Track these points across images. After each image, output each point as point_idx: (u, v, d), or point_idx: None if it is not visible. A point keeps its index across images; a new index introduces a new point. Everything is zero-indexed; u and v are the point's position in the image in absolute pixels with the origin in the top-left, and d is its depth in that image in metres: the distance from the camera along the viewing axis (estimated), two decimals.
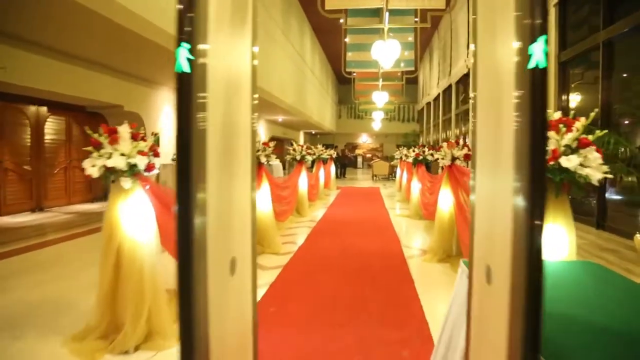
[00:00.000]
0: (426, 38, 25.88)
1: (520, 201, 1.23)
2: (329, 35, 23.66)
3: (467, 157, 5.86)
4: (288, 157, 9.81)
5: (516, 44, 1.25)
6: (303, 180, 9.85)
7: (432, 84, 27.59)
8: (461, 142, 6.07)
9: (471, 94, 2.01)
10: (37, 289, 4.62)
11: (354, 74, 21.51)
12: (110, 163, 2.89)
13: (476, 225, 1.74)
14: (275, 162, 23.90)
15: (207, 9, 1.36)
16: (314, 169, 12.79)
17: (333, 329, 3.66)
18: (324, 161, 13.48)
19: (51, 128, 10.56)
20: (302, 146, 9.71)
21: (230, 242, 1.61)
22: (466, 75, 18.58)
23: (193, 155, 1.34)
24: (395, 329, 3.67)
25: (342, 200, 12.85)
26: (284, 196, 8.12)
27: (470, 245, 1.78)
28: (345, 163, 24.72)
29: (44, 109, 10.31)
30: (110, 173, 2.95)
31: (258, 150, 6.23)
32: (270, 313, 3.99)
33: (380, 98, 18.65)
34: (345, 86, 34.60)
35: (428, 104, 29.46)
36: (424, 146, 9.43)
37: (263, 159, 7.56)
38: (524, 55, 1.18)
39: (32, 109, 10.05)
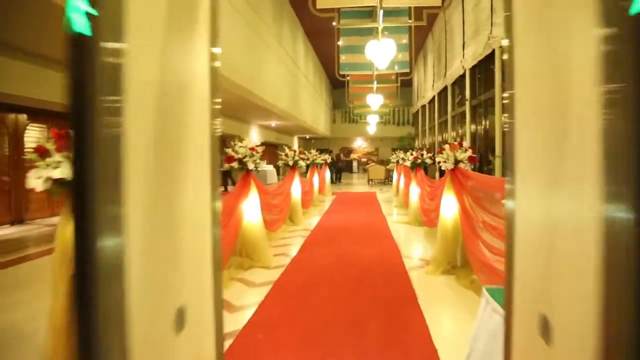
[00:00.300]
0: (420, 40, 25.56)
1: (619, 221, 0.77)
2: (322, 38, 23.29)
3: (472, 160, 5.42)
4: (280, 163, 9.35)
5: (597, 31, 0.94)
6: (296, 187, 9.39)
7: (426, 87, 27.22)
8: (465, 144, 5.62)
9: (505, 94, 1.59)
10: (12, 310, 4.13)
11: (348, 77, 21.11)
12: (57, 174, 2.40)
13: (518, 255, 1.27)
14: (269, 168, 23.47)
15: (125, 6, 1.17)
16: (307, 175, 12.33)
17: (329, 357, 3.18)
18: (318, 166, 13.03)
19: (32, 136, 10.05)
20: (294, 151, 9.25)
21: (175, 281, 1.15)
22: (462, 77, 18.19)
23: (95, 164, 0.88)
24: (400, 355, 3.20)
25: (337, 207, 12.38)
26: (275, 204, 7.65)
27: (508, 280, 1.31)
28: (340, 168, 24.28)
29: (23, 116, 9.80)
30: (59, 186, 2.45)
31: (246, 157, 5.76)
32: (258, 340, 3.51)
33: (375, 101, 18.24)
34: (339, 90, 34.23)
35: (423, 106, 29.09)
36: (422, 149, 8.98)
37: (251, 165, 7.11)
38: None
39: (11, 116, 9.55)
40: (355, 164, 37.99)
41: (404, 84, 28.70)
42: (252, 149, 5.94)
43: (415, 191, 8.94)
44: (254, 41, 14.76)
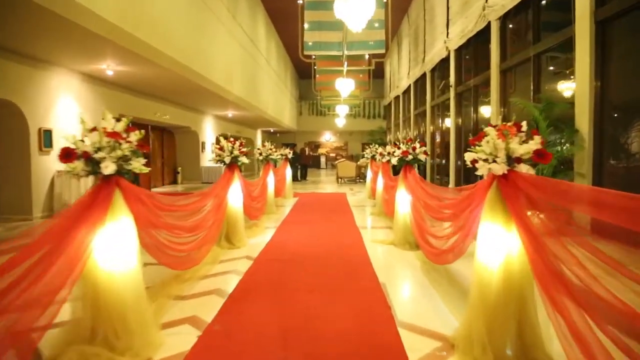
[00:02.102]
0: (394, 26, 22.88)
1: None
2: (286, 22, 20.34)
3: (540, 157, 2.69)
4: (213, 159, 6.49)
5: None
6: (235, 194, 6.54)
7: (401, 75, 24.64)
8: (524, 128, 2.87)
9: None
10: None
11: (314, 59, 18.31)
12: None
13: None
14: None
15: None
16: (261, 173, 9.52)
17: None
18: (274, 163, 10.21)
19: None
20: (232, 142, 6.40)
21: None
22: (445, 61, 15.62)
23: None
24: None
25: (298, 216, 9.56)
26: (188, 226, 4.80)
27: None
28: (306, 164, 21.49)
29: None
30: None
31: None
32: None
33: (345, 86, 15.51)
34: (306, 81, 31.39)
35: (397, 97, 26.52)
36: (412, 140, 6.24)
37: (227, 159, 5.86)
38: None
39: None
40: (323, 159, 35.26)
41: (376, 74, 26.06)
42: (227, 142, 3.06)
43: (403, 200, 6.21)
44: (199, 10, 11.79)
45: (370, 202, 11.87)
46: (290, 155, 12.75)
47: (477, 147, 2.91)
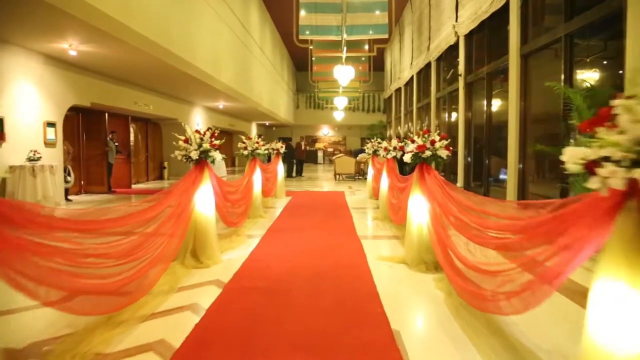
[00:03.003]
0: (396, 15, 21.42)
1: None
2: (281, 8, 18.77)
3: None
4: (177, 155, 5.06)
5: None
6: (205, 198, 5.11)
7: (403, 67, 23.17)
8: None
9: None
10: None
11: (311, 47, 16.84)
12: None
13: None
14: (218, 158, 18.86)
15: None
16: (247, 168, 8.11)
17: None
18: (262, 159, 8.79)
19: None
20: (201, 134, 4.97)
21: None
22: (453, 48, 14.18)
23: None
24: None
25: (288, 221, 8.13)
26: (119, 251, 3.39)
27: None
28: (302, 159, 20.05)
29: None
30: None
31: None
32: None
33: (344, 74, 14.03)
34: (303, 73, 29.86)
35: (397, 90, 25.06)
36: (429, 132, 4.80)
37: (194, 154, 4.86)
38: None
39: None
40: (320, 154, 33.80)
41: (376, 67, 24.60)
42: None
43: (419, 207, 4.80)
44: None
45: (371, 203, 10.47)
46: (282, 150, 11.33)
47: (599, 138, 1.50)
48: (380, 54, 28.84)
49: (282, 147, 11.30)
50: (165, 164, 17.49)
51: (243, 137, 8.16)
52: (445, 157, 4.76)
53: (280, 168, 11.33)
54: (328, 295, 4.05)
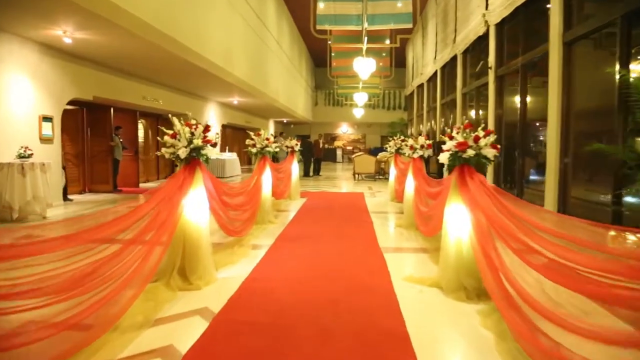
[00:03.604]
0: (418, 8, 20.37)
1: None
2: (300, 3, 17.82)
3: None
4: (165, 153, 4.14)
5: None
6: (196, 204, 4.20)
7: (426, 61, 22.06)
8: None
9: None
10: None
11: (330, 41, 15.86)
12: None
13: None
14: (229, 156, 18.07)
15: None
16: (255, 166, 7.20)
17: None
18: (273, 158, 7.87)
19: None
20: (192, 127, 4.06)
21: None
22: (482, 39, 13.09)
23: None
24: None
25: (300, 227, 7.17)
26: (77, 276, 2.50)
27: None
28: (320, 158, 19.08)
29: None
30: None
31: None
32: None
33: (365, 66, 13.02)
34: (322, 69, 28.86)
35: (420, 86, 23.94)
36: (471, 126, 3.78)
37: (182, 152, 4.05)
38: None
39: None
40: (339, 152, 32.79)
41: (397, 63, 23.51)
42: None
43: (458, 220, 3.82)
44: None
45: (393, 206, 9.47)
46: (297, 148, 10.39)
47: None
48: (402, 50, 27.74)
49: (297, 144, 10.37)
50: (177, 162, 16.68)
51: (252, 134, 7.25)
52: (492, 158, 3.77)
53: (295, 167, 10.40)
54: (344, 334, 3.10)
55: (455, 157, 3.78)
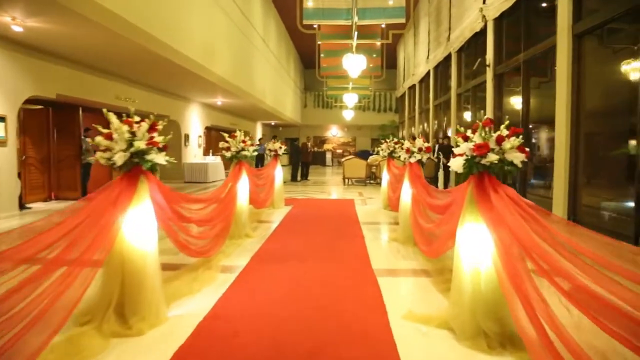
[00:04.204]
0: (409, 6, 19.63)
1: None
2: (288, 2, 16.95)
3: None
4: (99, 158, 3.21)
5: None
6: (139, 223, 3.25)
7: (417, 61, 21.23)
8: None
9: None
10: None
11: (318, 39, 14.95)
12: None
13: None
14: (212, 159, 16.96)
15: None
16: (231, 169, 6.25)
17: None
18: (257, 161, 6.93)
19: None
20: (133, 124, 3.13)
21: None
22: (478, 35, 12.25)
23: None
24: None
25: (282, 243, 6.18)
26: None
27: None
28: (308, 162, 18.12)
29: None
30: None
31: None
32: None
33: (355, 64, 12.11)
34: (311, 71, 27.98)
35: (411, 87, 23.11)
36: (492, 123, 2.91)
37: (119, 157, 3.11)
38: None
39: None
40: (329, 155, 31.87)
41: (388, 64, 22.68)
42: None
43: (474, 244, 2.92)
44: None
45: (386, 215, 8.56)
46: (281, 151, 9.46)
47: None
48: (393, 50, 26.94)
49: (280, 147, 9.43)
50: (157, 166, 15.63)
51: (226, 135, 6.31)
52: (519, 165, 2.87)
53: (279, 173, 9.45)
54: None
55: (472, 164, 2.87)
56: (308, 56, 25.94)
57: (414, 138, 6.03)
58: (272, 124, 29.77)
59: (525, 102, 9.52)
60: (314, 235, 6.65)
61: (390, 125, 28.98)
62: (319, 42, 15.30)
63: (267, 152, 9.50)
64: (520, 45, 9.59)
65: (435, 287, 4.16)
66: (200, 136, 17.57)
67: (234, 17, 13.58)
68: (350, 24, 11.94)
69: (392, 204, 7.93)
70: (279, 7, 20.23)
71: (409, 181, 5.91)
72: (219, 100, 16.57)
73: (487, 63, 11.17)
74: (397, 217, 7.89)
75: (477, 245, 2.94)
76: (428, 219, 4.66)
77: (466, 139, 2.94)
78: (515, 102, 11.02)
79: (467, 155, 2.91)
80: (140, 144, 3.17)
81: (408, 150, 5.92)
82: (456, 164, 2.96)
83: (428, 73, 18.53)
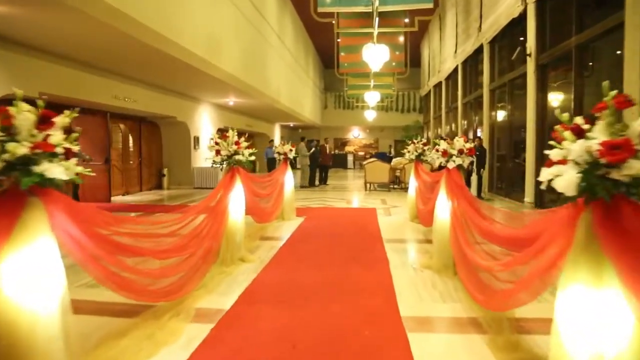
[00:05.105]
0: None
1: None
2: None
3: None
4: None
5: None
6: (38, 264, 2.00)
7: (444, 57, 19.74)
8: None
9: None
10: None
11: (337, 29, 13.62)
12: None
13: None
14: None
15: None
16: (222, 177, 4.96)
17: None
18: (269, 166, 5.62)
19: None
20: (8, 118, 1.91)
21: None
22: (516, 23, 10.76)
23: None
24: None
25: (282, 272, 4.79)
26: None
27: None
28: (327, 165, 16.79)
29: None
30: None
31: None
32: None
33: (376, 56, 10.74)
34: (332, 70, 26.71)
35: (437, 85, 21.62)
36: (628, 103, 1.65)
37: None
38: None
39: None
40: (350, 158, 30.45)
41: (412, 63, 21.17)
42: None
43: (608, 324, 1.58)
44: None
45: (414, 229, 7.17)
46: (292, 154, 8.17)
47: None
48: (416, 47, 25.45)
49: (291, 150, 8.14)
50: (165, 170, 14.52)
51: (216, 135, 5.04)
52: None
53: (289, 179, 8.16)
54: None
55: (596, 180, 1.51)
56: (328, 55, 24.64)
57: (452, 137, 4.64)
58: (291, 125, 28.54)
59: (577, 94, 8.04)
60: (326, 258, 5.31)
61: (415, 125, 27.49)
62: (337, 32, 13.86)
63: (276, 155, 8.23)
64: (571, 29, 8.13)
65: (493, 352, 2.80)
66: (212, 138, 16.41)
67: (244, 10, 12.36)
68: (370, 10, 10.58)
69: (422, 218, 6.54)
70: (295, 1, 18.98)
71: (446, 192, 4.53)
72: (230, 100, 15.38)
73: (528, 52, 9.70)
74: (427, 233, 6.51)
75: (599, 324, 1.58)
76: (483, 254, 3.27)
77: (580, 133, 1.57)
78: (556, 98, 9.54)
79: (583, 164, 1.55)
80: (20, 150, 1.89)
81: (445, 153, 4.54)
82: (564, 183, 1.59)
83: (456, 69, 17.06)
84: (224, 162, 4.97)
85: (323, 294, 4.00)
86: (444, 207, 4.57)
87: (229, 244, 4.89)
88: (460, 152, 4.51)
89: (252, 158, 5.27)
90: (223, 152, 4.92)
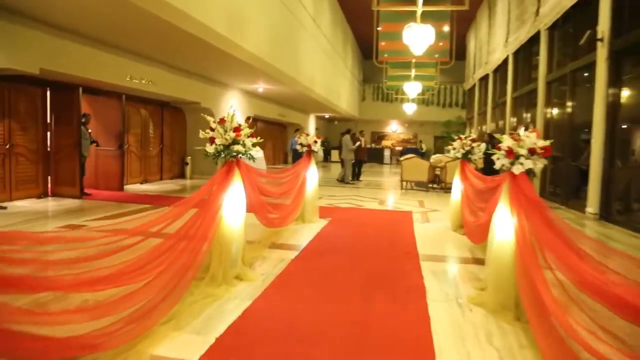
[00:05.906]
0: None
1: None
2: None
3: None
4: None
5: None
6: None
7: (492, 47, 18.11)
8: None
9: None
10: None
11: (377, 22, 12.32)
12: None
13: None
14: (257, 155, 14.70)
15: None
16: (221, 171, 3.90)
17: None
18: (294, 159, 4.50)
19: None
20: None
21: None
22: (583, 3, 9.28)
23: None
24: None
25: (286, 300, 3.66)
26: None
27: None
28: (362, 160, 15.47)
29: None
30: None
31: None
32: None
33: (419, 37, 9.42)
34: (371, 62, 25.38)
35: (483, 78, 19.98)
36: None
37: None
38: None
39: None
40: (387, 153, 29.04)
41: (456, 56, 19.56)
42: None
43: None
44: None
45: (457, 242, 5.90)
46: (316, 146, 7.03)
47: None
48: (462, 38, 23.77)
49: (315, 142, 6.99)
50: (188, 159, 13.64)
51: (210, 120, 3.96)
52: None
53: (313, 175, 7.02)
54: None
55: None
56: (367, 45, 23.32)
57: (525, 128, 3.39)
58: (326, 117, 27.37)
59: None
60: (344, 282, 4.13)
61: (456, 121, 25.86)
62: (376, 11, 12.42)
63: (298, 147, 7.12)
64: None
65: None
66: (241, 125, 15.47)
67: None
68: None
69: (470, 232, 5.27)
70: None
71: (509, 205, 3.30)
72: (260, 87, 14.34)
73: (600, 36, 8.22)
74: (475, 250, 5.26)
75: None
76: (578, 304, 2.05)
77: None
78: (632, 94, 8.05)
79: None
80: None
81: (511, 153, 3.29)
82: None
83: (506, 60, 15.48)
84: (221, 154, 3.85)
85: (329, 347, 2.85)
86: (505, 224, 3.34)
87: (223, 257, 3.81)
88: (532, 152, 3.26)
89: (256, 149, 4.16)
90: (218, 141, 3.81)
